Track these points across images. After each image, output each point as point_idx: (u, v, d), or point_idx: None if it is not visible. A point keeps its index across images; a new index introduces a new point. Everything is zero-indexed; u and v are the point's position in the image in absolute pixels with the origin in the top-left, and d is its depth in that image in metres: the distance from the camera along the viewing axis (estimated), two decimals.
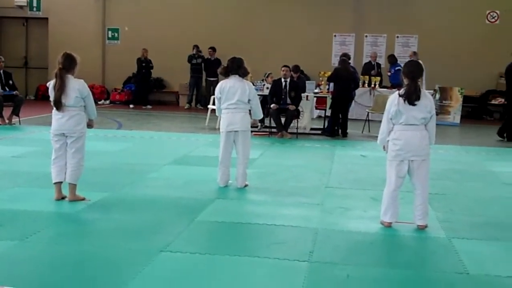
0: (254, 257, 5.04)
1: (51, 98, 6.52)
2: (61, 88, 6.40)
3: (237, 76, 7.64)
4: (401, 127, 5.89)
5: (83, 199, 6.67)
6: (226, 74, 7.77)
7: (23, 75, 20.38)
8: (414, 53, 15.91)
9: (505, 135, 13.38)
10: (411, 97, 5.78)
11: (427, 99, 5.94)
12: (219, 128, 8.41)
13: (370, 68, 17.05)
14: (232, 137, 7.64)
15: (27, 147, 10.11)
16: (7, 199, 6.64)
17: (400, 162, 5.89)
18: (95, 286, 4.25)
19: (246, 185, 7.70)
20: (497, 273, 4.82)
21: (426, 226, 5.99)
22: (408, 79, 5.89)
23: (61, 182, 6.66)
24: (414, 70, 5.99)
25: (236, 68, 7.66)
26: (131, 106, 18.40)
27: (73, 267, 4.69)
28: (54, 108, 6.50)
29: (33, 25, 20.79)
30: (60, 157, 6.59)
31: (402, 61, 18.32)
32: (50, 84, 6.59)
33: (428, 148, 5.98)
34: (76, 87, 6.47)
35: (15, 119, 13.12)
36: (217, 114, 8.13)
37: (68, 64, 6.49)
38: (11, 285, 4.20)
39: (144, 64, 18.38)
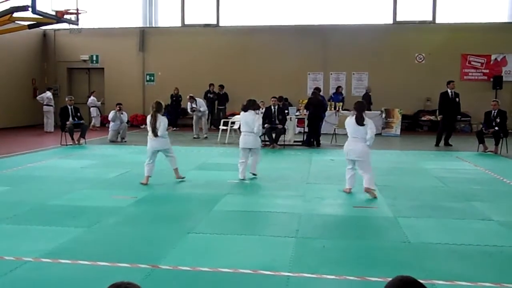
0: (256, 235, 5.04)
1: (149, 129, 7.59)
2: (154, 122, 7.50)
3: (250, 110, 8.16)
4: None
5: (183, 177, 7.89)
6: (245, 109, 8.25)
7: (87, 109, 20.33)
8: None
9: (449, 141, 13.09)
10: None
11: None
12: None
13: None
14: (247, 151, 8.21)
15: (91, 161, 10.11)
16: (78, 198, 6.64)
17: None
18: (143, 258, 4.23)
19: (255, 174, 8.26)
20: (430, 241, 4.83)
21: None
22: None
23: (150, 176, 7.63)
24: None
25: (250, 105, 8.19)
26: (173, 129, 17.97)
27: (126, 245, 4.67)
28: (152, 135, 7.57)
29: (93, 73, 20.79)
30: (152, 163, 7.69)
31: (357, 90, 18.56)
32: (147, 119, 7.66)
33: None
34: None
35: (82, 141, 13.11)
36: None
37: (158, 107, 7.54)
38: (82, 259, 4.19)
39: (175, 98, 18.41)
